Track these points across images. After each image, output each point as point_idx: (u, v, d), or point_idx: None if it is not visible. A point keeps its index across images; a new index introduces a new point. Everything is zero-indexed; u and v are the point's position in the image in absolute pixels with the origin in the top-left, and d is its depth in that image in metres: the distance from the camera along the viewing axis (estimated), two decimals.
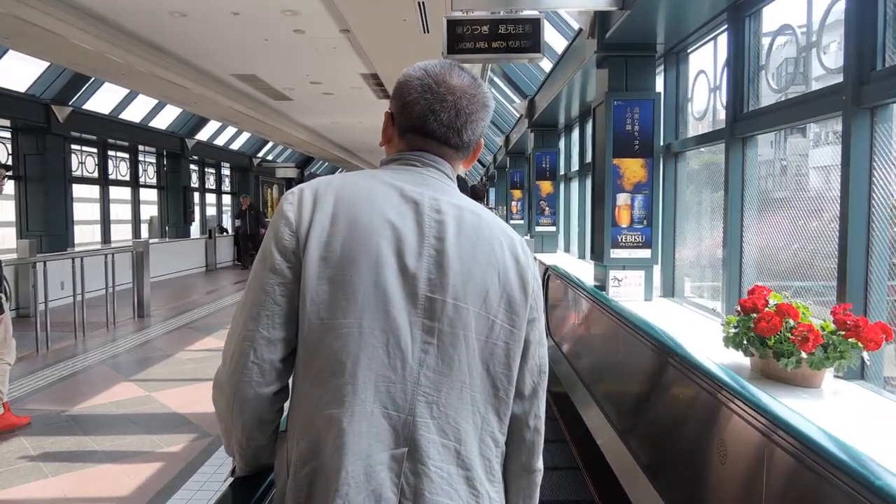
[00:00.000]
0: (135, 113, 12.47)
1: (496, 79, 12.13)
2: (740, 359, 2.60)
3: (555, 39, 8.39)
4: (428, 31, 6.46)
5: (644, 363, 3.09)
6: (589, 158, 7.81)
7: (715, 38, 4.16)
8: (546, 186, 8.98)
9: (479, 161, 22.54)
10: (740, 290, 3.64)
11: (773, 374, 2.46)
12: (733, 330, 2.60)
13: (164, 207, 13.99)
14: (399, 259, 1.01)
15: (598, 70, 4.97)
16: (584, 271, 6.75)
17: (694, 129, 4.72)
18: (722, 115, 4.11)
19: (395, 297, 1.00)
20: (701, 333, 3.65)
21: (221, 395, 1.05)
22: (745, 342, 2.53)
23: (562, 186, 9.26)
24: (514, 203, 13.72)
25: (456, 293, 1.02)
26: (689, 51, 4.67)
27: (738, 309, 2.57)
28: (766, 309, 2.48)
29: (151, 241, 13.45)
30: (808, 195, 3.27)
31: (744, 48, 3.57)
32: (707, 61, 4.38)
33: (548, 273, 6.00)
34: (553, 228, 9.00)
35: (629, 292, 4.64)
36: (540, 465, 1.17)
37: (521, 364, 1.09)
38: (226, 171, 18.17)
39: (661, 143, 4.65)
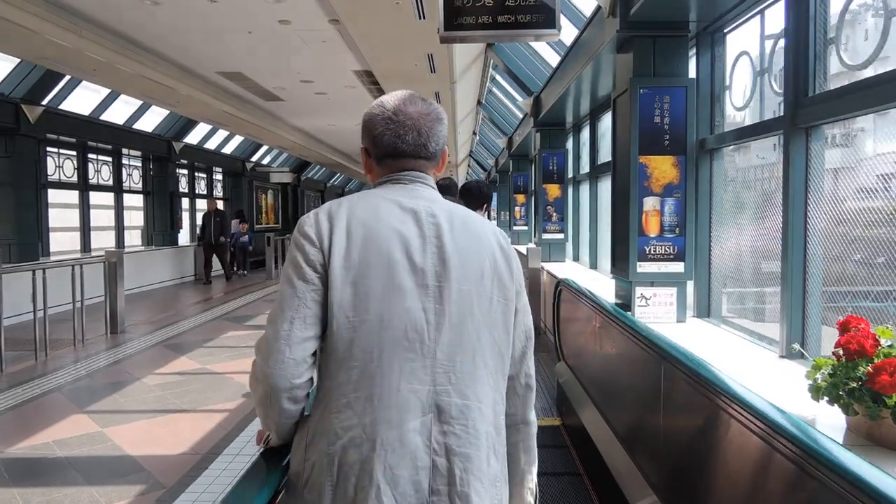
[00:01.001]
0: (118, 114, 11.83)
1: (498, 76, 11.49)
2: (828, 411, 1.94)
3: (562, 31, 7.74)
4: (423, 17, 5.81)
5: (688, 406, 2.42)
6: (602, 159, 7.15)
7: (762, 10, 3.50)
8: (553, 190, 8.32)
9: (479, 165, 21.90)
10: (804, 312, 2.97)
11: (887, 440, 1.80)
12: (826, 378, 1.94)
13: (150, 214, 13.33)
14: (408, 258, 1.24)
15: (619, 56, 4.32)
16: (599, 284, 6.09)
17: (732, 121, 4.05)
18: (771, 103, 3.45)
19: (408, 289, 1.22)
20: (757, 369, 2.98)
21: (259, 386, 1.25)
22: (846, 396, 1.87)
23: (570, 190, 8.59)
24: (517, 208, 13.06)
25: (458, 278, 1.26)
26: (725, 30, 4.01)
27: (839, 353, 1.90)
28: (880, 351, 1.83)
29: (137, 249, 12.81)
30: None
31: (808, 17, 2.90)
32: (750, 40, 3.72)
33: (559, 287, 5.33)
34: (561, 236, 8.34)
35: (659, 313, 3.97)
36: (531, 416, 1.41)
37: (514, 330, 1.35)
38: (218, 177, 17.51)
39: (695, 139, 3.98)
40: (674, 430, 2.63)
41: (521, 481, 1.42)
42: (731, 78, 3.94)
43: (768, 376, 2.84)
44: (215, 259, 13.64)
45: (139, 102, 11.97)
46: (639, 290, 3.96)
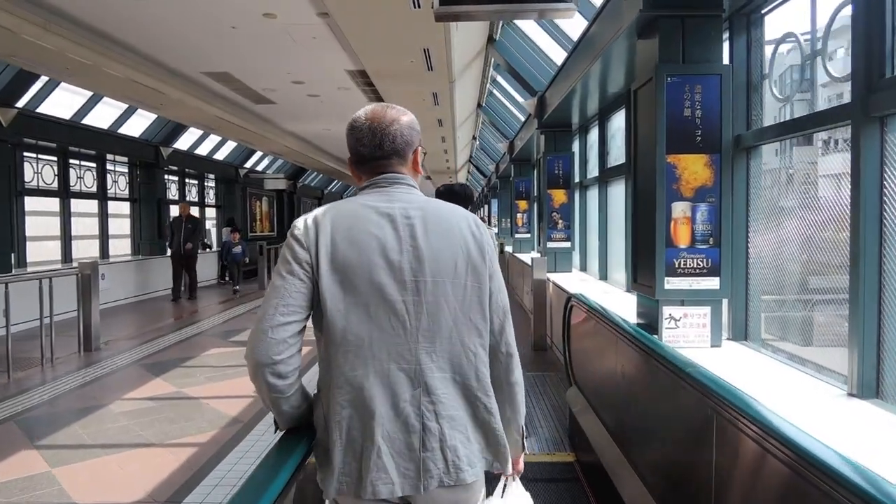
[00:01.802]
0: (101, 118, 11.33)
1: (499, 77, 10.98)
2: None
3: (569, 25, 7.24)
4: (419, 6, 5.29)
5: (758, 473, 1.87)
6: (613, 161, 6.63)
7: None
8: (559, 196, 7.79)
9: (479, 171, 21.40)
10: (880, 337, 2.43)
11: None
12: None
13: (137, 222, 12.80)
14: (386, 259, 1.44)
15: (640, 42, 3.80)
16: (611, 298, 5.55)
17: (772, 114, 3.52)
18: (827, 91, 2.92)
19: (388, 285, 1.43)
20: (824, 412, 2.43)
21: (248, 362, 1.43)
22: None
23: (577, 196, 8.06)
24: (519, 215, 12.54)
25: (433, 272, 1.46)
26: (763, 11, 3.48)
27: None
28: None
29: (123, 258, 12.27)
30: None
31: None
32: (796, 19, 3.20)
33: (570, 303, 4.79)
34: (567, 244, 7.80)
35: (690, 336, 3.43)
36: (514, 378, 1.61)
37: (490, 306, 1.54)
38: (210, 183, 17.00)
39: (730, 136, 3.44)
40: (732, 498, 2.07)
41: (509, 426, 1.61)
42: (771, 64, 3.42)
43: (843, 424, 2.30)
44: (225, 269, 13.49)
45: (124, 106, 11.48)
46: (667, 310, 3.43)
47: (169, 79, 8.83)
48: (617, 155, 6.49)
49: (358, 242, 1.44)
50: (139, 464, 3.96)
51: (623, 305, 5.21)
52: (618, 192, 6.41)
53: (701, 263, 3.40)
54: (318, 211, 1.50)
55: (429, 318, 1.45)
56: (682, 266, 3.40)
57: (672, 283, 3.40)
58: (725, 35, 3.59)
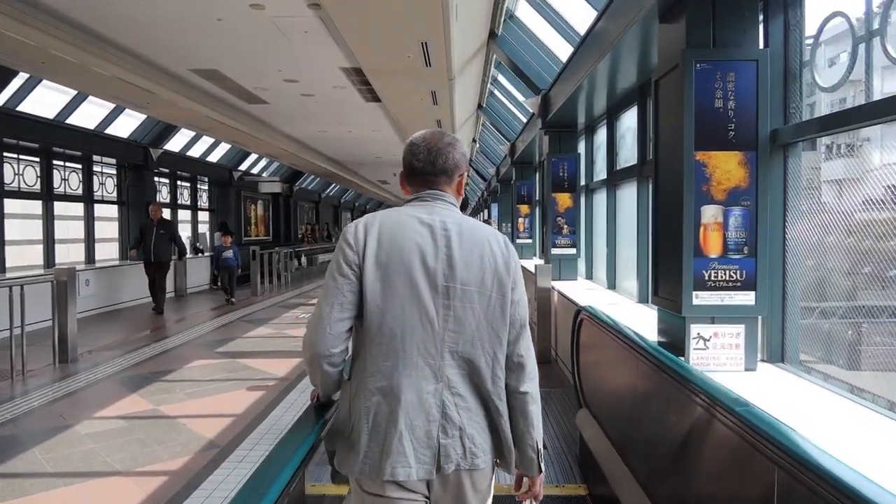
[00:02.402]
0: (87, 118, 10.92)
1: (500, 76, 10.59)
2: None
3: (576, 17, 6.84)
4: None
5: None
6: (622, 163, 6.22)
7: None
8: (564, 200, 7.39)
9: (479, 174, 21.01)
10: None
11: None
12: None
13: (125, 226, 12.38)
14: (423, 264, 1.61)
15: (663, 26, 3.39)
16: (620, 310, 5.14)
17: (815, 106, 3.11)
18: (886, 77, 2.52)
19: (423, 288, 1.60)
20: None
21: (307, 352, 1.65)
22: None
23: (582, 199, 7.65)
24: (520, 220, 12.14)
25: (462, 280, 1.63)
26: None
27: None
28: None
29: (110, 263, 11.83)
30: None
31: None
32: None
33: (580, 317, 4.37)
34: (573, 251, 7.38)
35: (721, 358, 3.02)
36: (524, 388, 1.69)
37: (511, 317, 1.68)
38: (203, 186, 16.59)
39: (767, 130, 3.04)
40: None
41: (521, 440, 1.69)
42: (812, 50, 3.01)
43: None
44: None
45: (111, 105, 11.07)
46: (695, 329, 3.01)
47: (154, 76, 8.42)
48: (627, 156, 6.09)
49: (400, 246, 1.62)
50: (98, 497, 3.53)
51: (635, 318, 4.79)
52: (628, 196, 6.01)
53: (734, 275, 2.99)
54: (367, 217, 1.70)
55: (455, 321, 1.62)
56: (712, 278, 2.99)
57: (701, 298, 2.99)
58: (760, 17, 3.18)
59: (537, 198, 12.09)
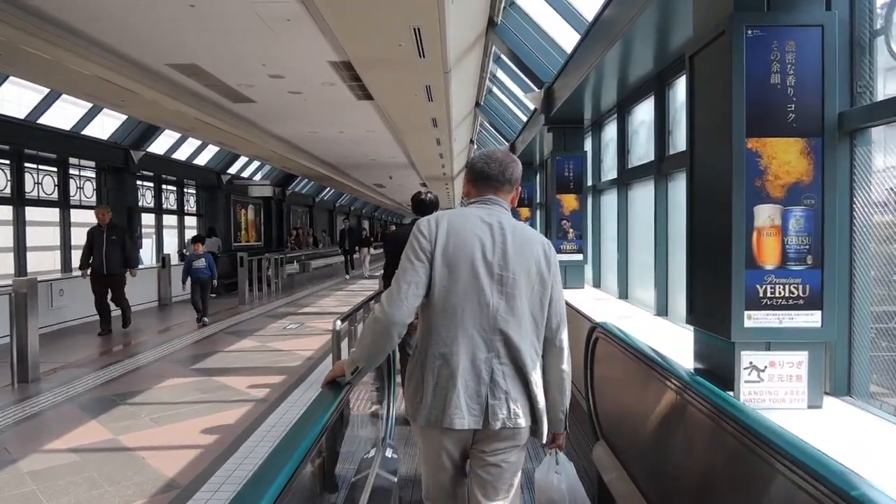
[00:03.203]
0: (62, 118, 10.34)
1: (500, 72, 10.04)
2: None
3: (582, 2, 6.29)
4: None
5: None
6: (635, 161, 5.66)
7: None
8: (569, 201, 6.82)
9: None
10: None
11: None
12: None
13: None
14: (483, 255, 1.95)
15: None
16: (633, 323, 4.59)
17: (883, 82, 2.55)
18: None
19: (482, 275, 1.94)
20: None
21: (381, 323, 1.92)
22: None
23: (589, 201, 7.09)
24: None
25: (514, 271, 1.96)
26: None
27: None
28: None
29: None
30: None
31: None
32: None
33: (595, 336, 3.80)
34: (579, 257, 6.82)
35: (779, 392, 2.46)
36: (564, 366, 2.08)
37: (549, 310, 2.05)
38: (190, 190, 15.99)
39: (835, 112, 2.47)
40: None
41: (555, 406, 2.10)
42: (889, 15, 2.45)
43: None
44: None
45: (88, 105, 10.50)
46: (747, 357, 2.45)
47: (129, 71, 7.84)
48: (642, 153, 5.53)
49: (465, 239, 1.97)
50: None
51: (654, 333, 4.24)
52: (643, 196, 5.45)
53: (795, 291, 2.42)
54: (437, 214, 2.06)
55: (506, 304, 1.95)
56: (768, 295, 2.42)
57: (755, 320, 2.42)
58: None
59: (538, 200, 11.54)
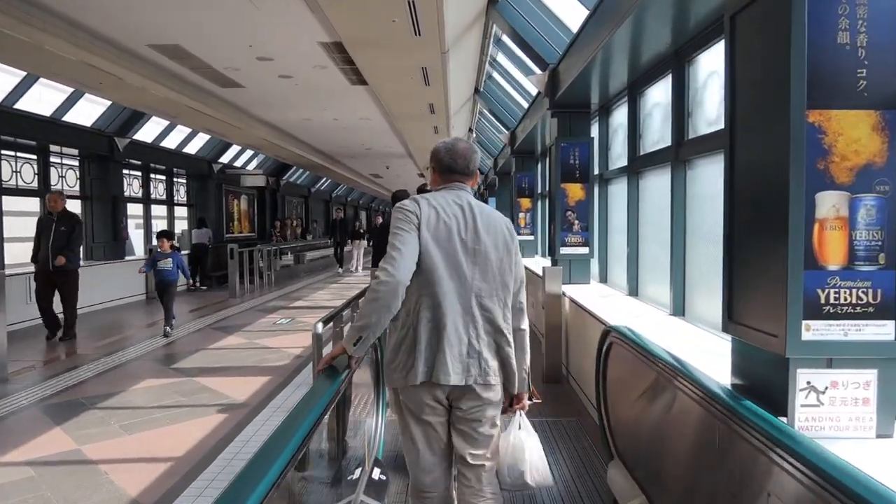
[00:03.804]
0: (42, 103, 9.88)
1: (500, 56, 9.58)
2: None
3: None
4: None
5: None
6: (650, 146, 5.23)
7: None
8: (575, 191, 6.39)
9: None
10: None
11: None
12: None
13: (90, 222, 11.32)
14: (458, 232, 2.22)
15: None
16: (645, 323, 4.16)
17: None
18: None
19: (458, 249, 2.20)
20: None
21: (387, 285, 2.08)
22: None
23: (596, 191, 6.66)
24: (521, 215, 11.15)
25: (484, 245, 2.24)
26: None
27: None
28: None
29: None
30: None
31: None
32: None
33: (608, 342, 3.38)
34: (585, 250, 6.39)
35: (842, 418, 2.05)
36: (523, 325, 2.40)
37: (513, 276, 2.32)
38: (181, 179, 15.52)
39: None
40: None
41: (520, 364, 2.34)
42: None
43: None
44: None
45: (69, 90, 10.02)
46: (803, 376, 2.03)
47: (105, 51, 7.37)
48: (656, 138, 5.10)
49: (444, 217, 2.22)
50: None
51: (669, 335, 3.82)
52: (657, 185, 5.02)
53: (864, 296, 2.00)
54: (416, 197, 2.30)
55: (479, 273, 2.23)
56: (831, 301, 2.00)
57: (815, 331, 2.00)
58: None
59: (539, 191, 11.11)
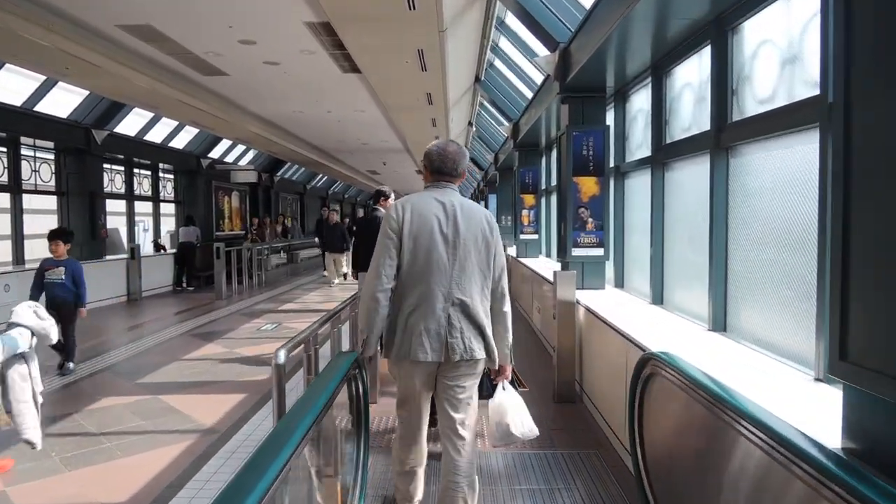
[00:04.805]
0: (11, 92, 9.18)
1: (503, 40, 8.88)
2: None
3: None
4: None
5: None
6: (681, 132, 4.55)
7: None
8: (589, 185, 5.71)
9: (475, 163, 19.34)
10: None
11: None
12: None
13: (65, 219, 10.64)
14: (439, 227, 2.56)
15: None
16: (681, 337, 3.49)
17: None
18: None
19: (439, 243, 2.54)
20: None
21: (369, 290, 2.55)
22: None
23: (612, 185, 5.97)
24: (525, 212, 10.46)
25: (464, 239, 2.57)
26: None
27: None
28: None
29: None
30: None
31: None
32: None
33: (648, 371, 2.70)
34: (600, 251, 5.71)
35: None
36: (505, 308, 2.72)
37: (494, 264, 2.66)
38: (168, 175, 14.84)
39: None
40: None
41: (501, 341, 2.71)
42: None
43: None
44: None
45: (41, 78, 9.34)
46: None
47: (70, 33, 6.69)
48: (687, 122, 4.41)
49: (425, 217, 2.56)
50: None
51: (712, 356, 3.15)
52: (690, 178, 4.35)
53: None
54: (403, 199, 2.66)
55: (458, 264, 2.55)
56: None
57: None
58: None
59: (544, 186, 10.43)
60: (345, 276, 14.07)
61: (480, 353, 2.56)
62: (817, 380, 2.72)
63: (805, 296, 2.85)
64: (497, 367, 2.74)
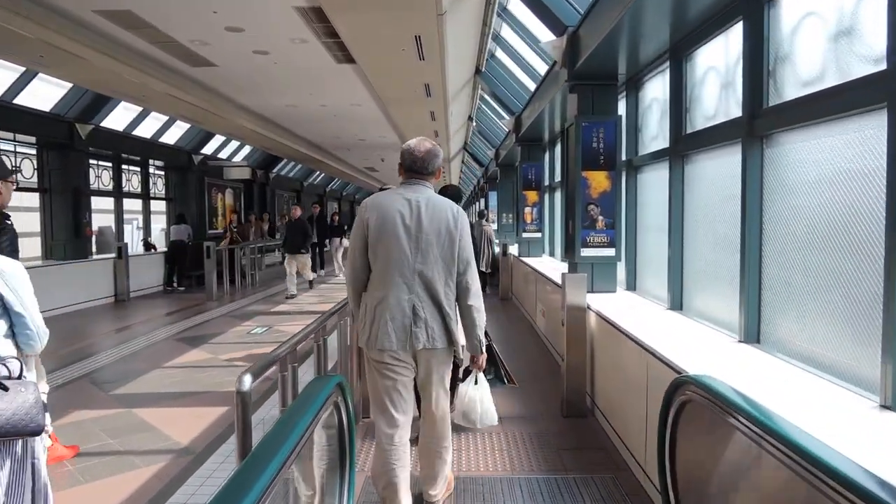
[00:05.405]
0: None
1: (504, 27, 8.45)
2: None
3: None
4: None
5: None
6: (703, 121, 4.12)
7: None
8: (599, 181, 5.29)
9: (475, 160, 18.91)
10: None
11: None
12: None
13: (48, 217, 10.21)
14: (403, 222, 2.72)
15: None
16: (725, 359, 3.06)
17: None
18: None
19: (402, 237, 2.71)
20: None
21: (350, 281, 2.89)
22: None
23: (623, 180, 5.55)
24: (527, 209, 10.03)
25: (427, 232, 2.73)
26: None
27: None
28: None
29: (32, 264, 9.69)
30: None
31: None
32: None
33: (682, 398, 2.28)
34: (611, 252, 5.30)
35: None
36: (469, 302, 2.83)
37: (458, 257, 2.79)
38: (160, 171, 14.39)
39: None
40: None
41: (470, 333, 2.87)
42: None
43: None
44: None
45: (20, 69, 8.90)
46: None
47: (42, 18, 6.27)
48: (710, 112, 3.99)
49: (389, 213, 2.73)
50: None
51: (744, 370, 2.74)
52: (716, 172, 3.92)
53: None
54: (370, 197, 2.89)
55: (421, 257, 2.72)
56: None
57: None
58: None
59: (547, 183, 10.01)
60: (310, 283, 12.66)
61: (442, 343, 2.75)
62: (884, 407, 2.30)
63: (867, 306, 2.43)
64: (470, 358, 3.03)
